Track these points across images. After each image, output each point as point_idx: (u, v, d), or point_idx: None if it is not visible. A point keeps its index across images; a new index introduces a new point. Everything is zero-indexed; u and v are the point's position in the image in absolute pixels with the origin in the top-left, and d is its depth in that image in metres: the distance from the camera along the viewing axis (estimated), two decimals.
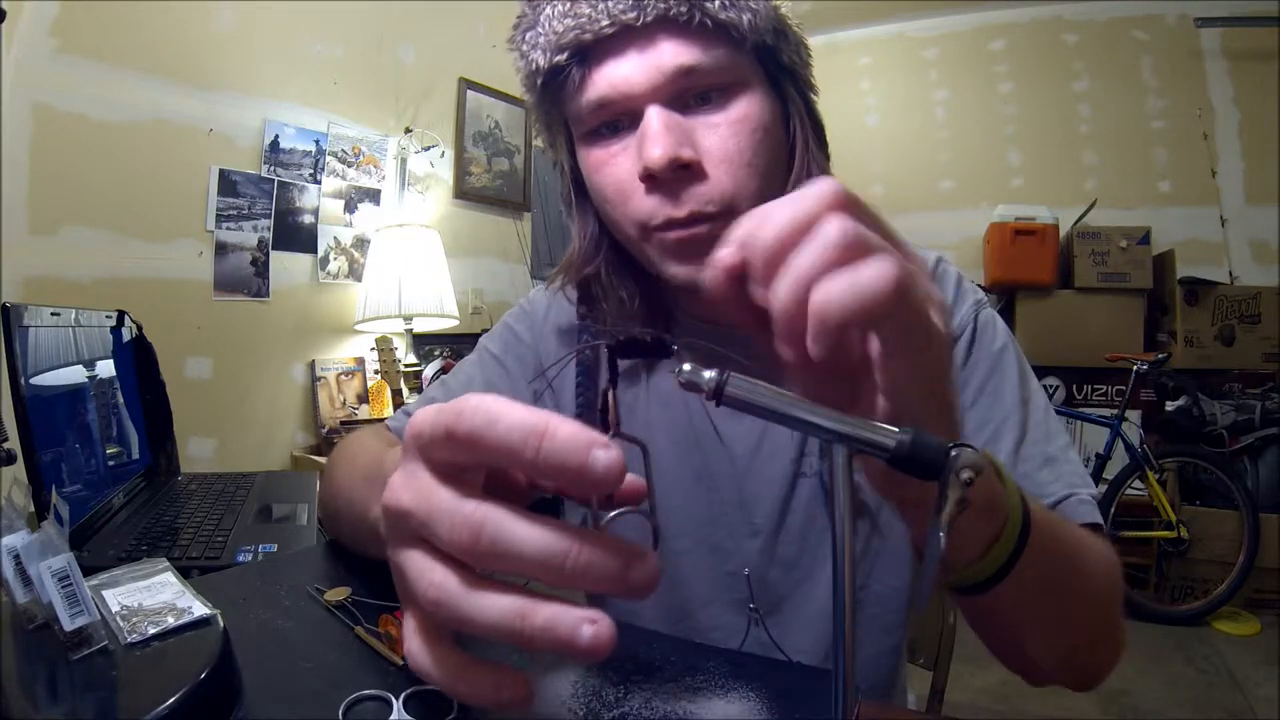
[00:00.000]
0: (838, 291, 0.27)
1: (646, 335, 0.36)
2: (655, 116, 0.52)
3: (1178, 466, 2.74)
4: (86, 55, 1.83)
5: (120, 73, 1.89)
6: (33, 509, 0.77)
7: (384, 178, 2.61)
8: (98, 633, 0.42)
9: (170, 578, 0.51)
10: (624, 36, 0.52)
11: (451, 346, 2.83)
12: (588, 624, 0.25)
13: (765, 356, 0.57)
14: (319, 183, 2.38)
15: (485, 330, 2.98)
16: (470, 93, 2.95)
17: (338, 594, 0.56)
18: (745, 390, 0.29)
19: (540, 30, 0.54)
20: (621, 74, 0.52)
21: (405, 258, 2.40)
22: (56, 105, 1.79)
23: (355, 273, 2.50)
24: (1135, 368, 2.72)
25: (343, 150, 2.46)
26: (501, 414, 0.25)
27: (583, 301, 0.67)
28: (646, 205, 0.54)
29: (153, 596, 0.48)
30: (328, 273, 2.43)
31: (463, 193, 2.94)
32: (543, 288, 0.74)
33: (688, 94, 0.53)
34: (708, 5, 0.51)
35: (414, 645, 0.28)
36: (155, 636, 0.43)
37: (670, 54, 0.52)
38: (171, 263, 2.02)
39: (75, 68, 1.81)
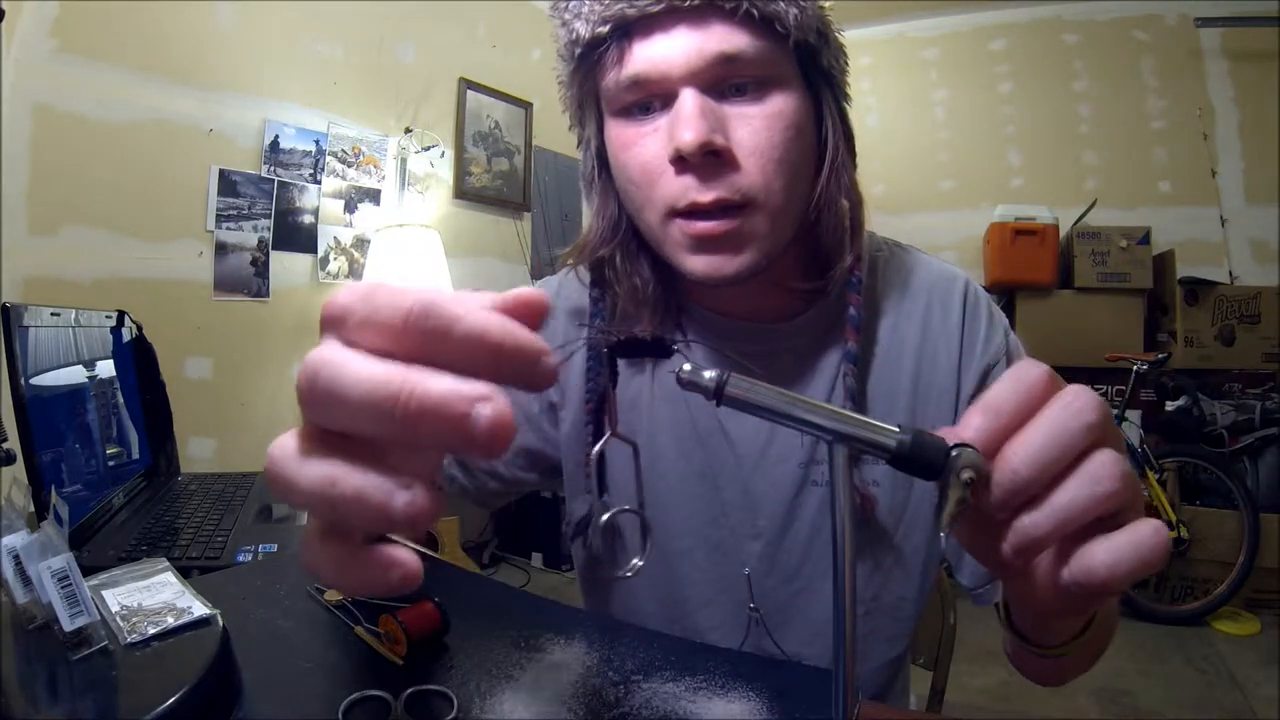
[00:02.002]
0: (1124, 559, 0.28)
1: (646, 335, 0.36)
2: (690, 99, 0.51)
3: (1178, 466, 2.74)
4: (86, 55, 1.83)
5: (120, 73, 1.89)
6: (32, 509, 0.76)
7: (384, 178, 2.60)
8: (97, 633, 0.42)
9: (170, 578, 0.51)
10: (669, 16, 0.51)
11: None
12: (481, 401, 0.21)
13: (761, 356, 0.57)
14: (319, 183, 2.38)
15: None
16: (470, 93, 2.95)
17: (337, 594, 0.56)
18: (745, 390, 0.29)
19: (585, 1, 0.54)
20: (661, 53, 0.52)
21: (405, 258, 2.40)
22: (56, 105, 1.79)
23: (355, 273, 2.50)
24: (1135, 368, 2.72)
25: (343, 150, 2.46)
26: (350, 368, 0.23)
27: (595, 284, 0.65)
28: (673, 188, 0.53)
29: (152, 596, 0.48)
30: (328, 273, 2.43)
31: (463, 193, 2.94)
32: (551, 278, 0.73)
33: (724, 82, 0.52)
34: None
35: (307, 547, 0.26)
36: (155, 636, 0.43)
37: (713, 39, 0.51)
38: (171, 263, 2.02)
39: (75, 68, 1.81)
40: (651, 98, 0.54)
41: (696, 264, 0.55)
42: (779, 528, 0.63)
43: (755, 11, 0.50)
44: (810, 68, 0.55)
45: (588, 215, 0.66)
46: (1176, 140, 3.22)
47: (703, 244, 0.54)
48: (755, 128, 0.53)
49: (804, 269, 0.61)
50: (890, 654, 0.66)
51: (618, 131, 0.56)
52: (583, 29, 0.54)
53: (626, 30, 0.53)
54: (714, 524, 0.65)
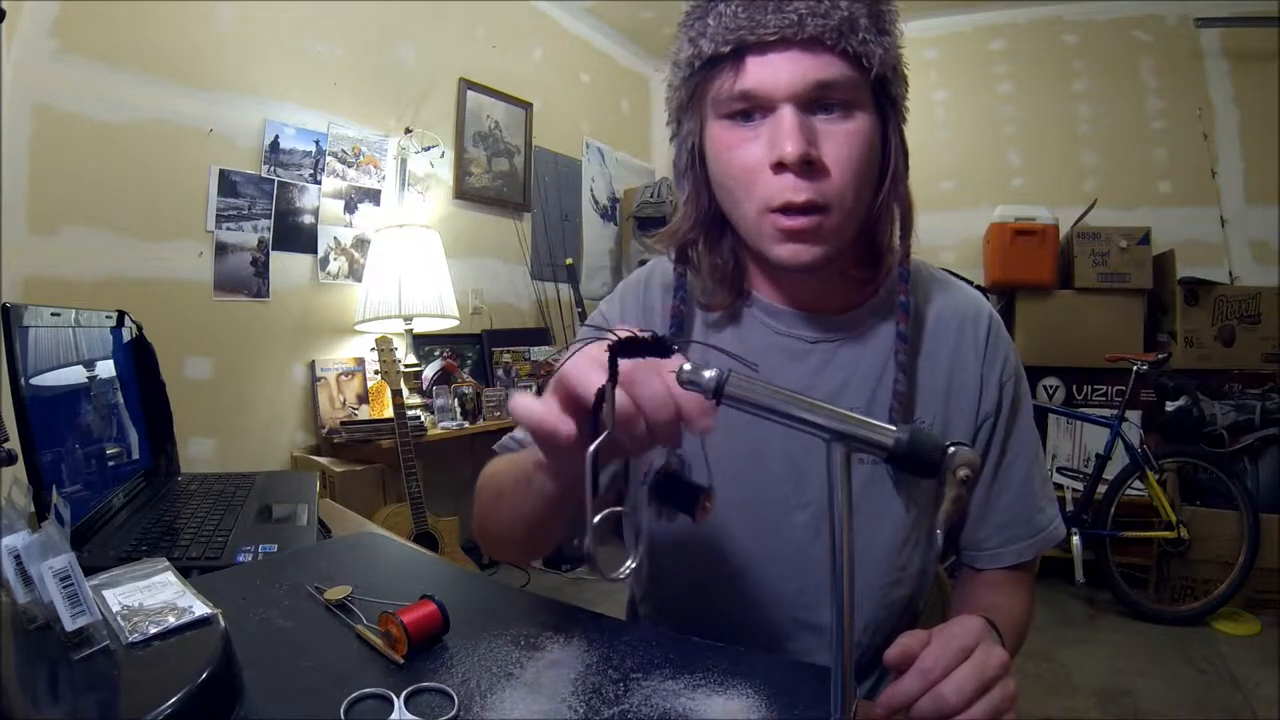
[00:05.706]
0: None
1: (647, 334, 0.36)
2: (790, 115, 0.61)
3: (1178, 466, 2.74)
4: (86, 55, 1.83)
5: (120, 73, 1.89)
6: (33, 509, 0.76)
7: (384, 178, 2.61)
8: (99, 632, 0.42)
9: (170, 577, 0.51)
10: (781, 44, 0.61)
11: (451, 346, 2.83)
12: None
13: (820, 341, 0.72)
14: (319, 183, 2.38)
15: (485, 330, 2.98)
16: (470, 93, 2.95)
17: (338, 593, 0.57)
18: (744, 389, 0.29)
19: (709, 23, 0.63)
20: (770, 74, 0.61)
21: (405, 258, 2.40)
22: (56, 105, 1.79)
23: (355, 273, 2.51)
24: (1135, 368, 2.72)
25: (343, 150, 2.46)
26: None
27: (679, 262, 0.74)
28: (771, 187, 0.62)
29: (153, 596, 0.48)
30: (328, 273, 2.43)
31: (463, 193, 2.94)
32: (652, 260, 0.82)
33: (816, 103, 0.62)
34: (852, 37, 0.60)
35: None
36: (156, 636, 0.43)
37: (814, 68, 0.61)
38: (171, 263, 2.02)
39: (75, 68, 1.81)
40: (755, 108, 0.63)
41: (783, 252, 0.64)
42: (826, 497, 0.68)
43: (850, 49, 0.60)
44: (881, 94, 0.65)
45: (679, 202, 0.76)
46: (1176, 140, 3.22)
47: (790, 236, 0.63)
48: (840, 143, 0.62)
49: (860, 261, 0.71)
50: (908, 622, 0.76)
51: (722, 133, 0.65)
52: (706, 46, 0.63)
53: (741, 51, 0.62)
54: (763, 500, 0.71)
